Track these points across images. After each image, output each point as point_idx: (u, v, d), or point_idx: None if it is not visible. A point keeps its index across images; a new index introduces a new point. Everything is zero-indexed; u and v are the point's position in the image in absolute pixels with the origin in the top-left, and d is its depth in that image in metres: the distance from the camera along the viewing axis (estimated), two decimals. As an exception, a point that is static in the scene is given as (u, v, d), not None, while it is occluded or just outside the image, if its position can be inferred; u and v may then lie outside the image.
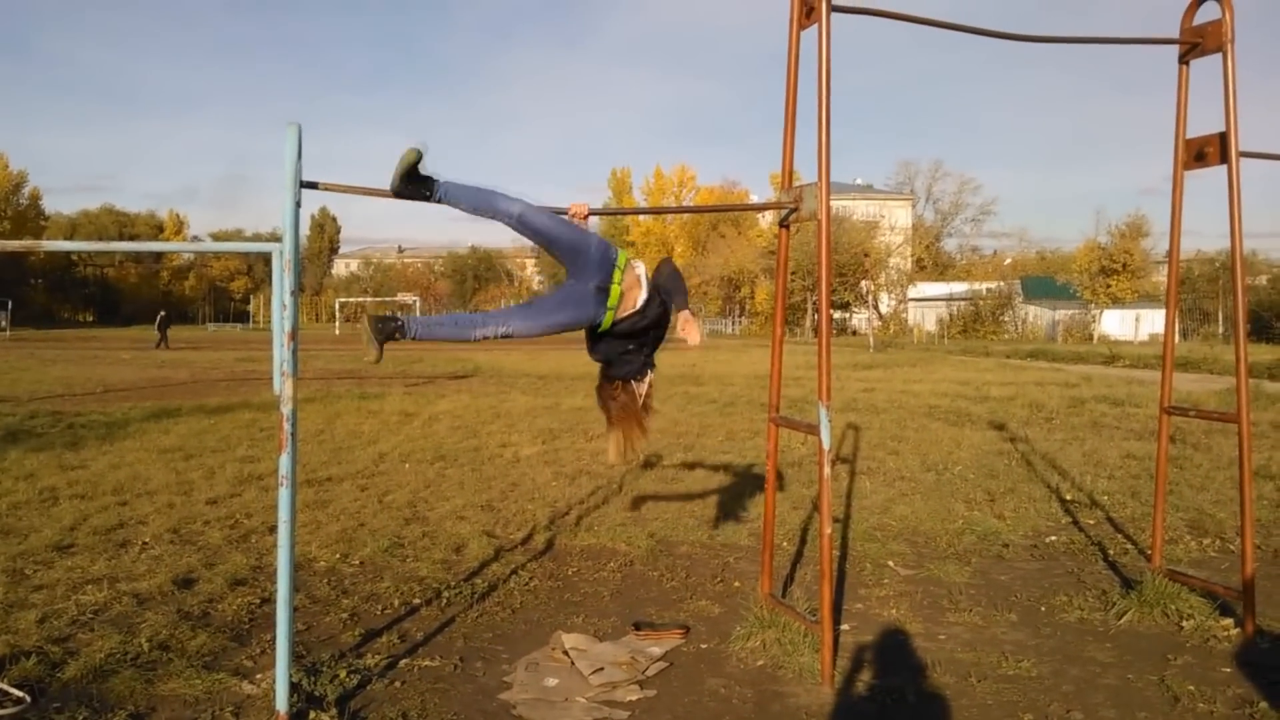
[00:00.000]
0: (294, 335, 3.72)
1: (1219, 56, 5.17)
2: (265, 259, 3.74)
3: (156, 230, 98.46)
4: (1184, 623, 5.19)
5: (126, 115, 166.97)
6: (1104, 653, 4.85)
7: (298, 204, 3.71)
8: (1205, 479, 9.29)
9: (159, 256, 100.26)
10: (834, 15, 4.45)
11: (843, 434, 12.27)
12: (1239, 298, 5.25)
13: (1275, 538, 7.16)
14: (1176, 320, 6.85)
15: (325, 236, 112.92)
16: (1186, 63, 5.43)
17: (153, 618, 5.05)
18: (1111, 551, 6.80)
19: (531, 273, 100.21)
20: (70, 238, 79.08)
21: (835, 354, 32.84)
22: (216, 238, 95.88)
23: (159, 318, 43.11)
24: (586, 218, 4.41)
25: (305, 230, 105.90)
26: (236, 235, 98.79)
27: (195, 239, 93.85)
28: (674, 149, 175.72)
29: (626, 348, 4.42)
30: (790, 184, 4.99)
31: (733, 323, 78.88)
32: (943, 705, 4.21)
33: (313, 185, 3.86)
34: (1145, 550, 6.62)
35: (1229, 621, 5.15)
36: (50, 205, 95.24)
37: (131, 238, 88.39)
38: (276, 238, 3.79)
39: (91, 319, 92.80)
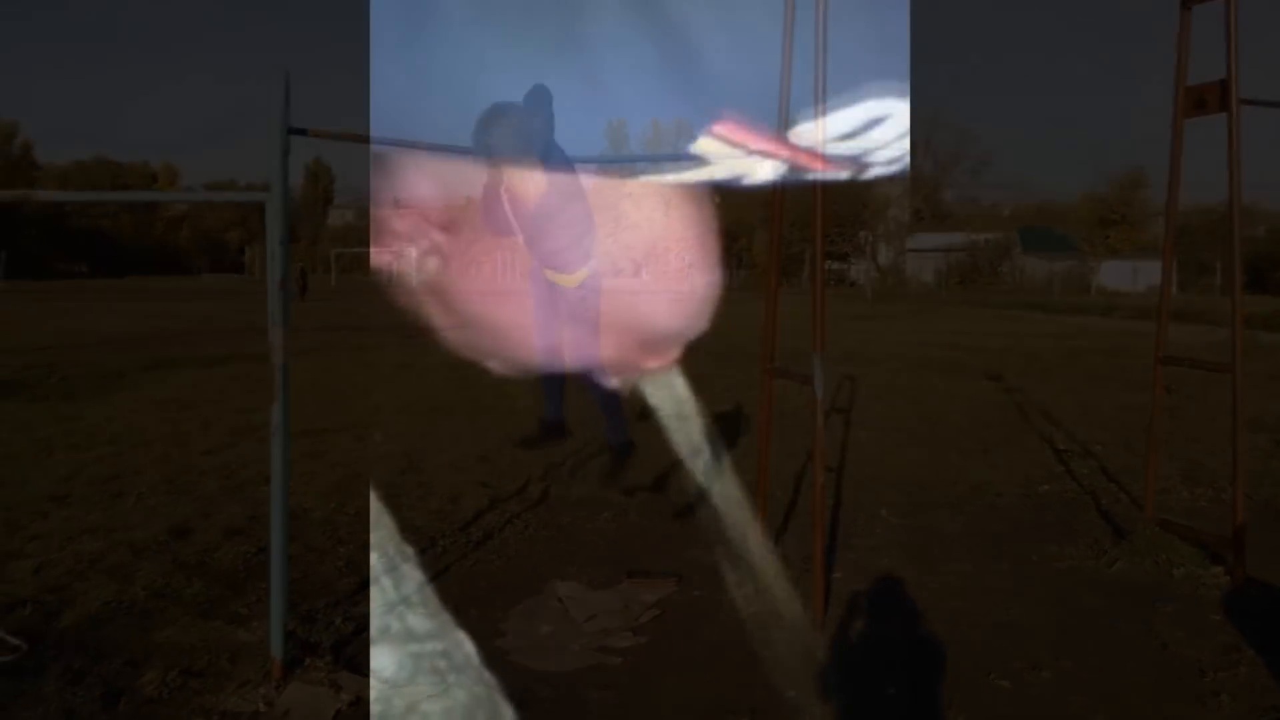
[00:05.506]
0: (285, 285, 3.69)
1: (1222, 1, 5.08)
2: (260, 209, 3.69)
3: (150, 180, 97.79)
4: (1174, 571, 5.23)
5: (123, 62, 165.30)
6: (1094, 600, 4.89)
7: (286, 152, 3.66)
8: (1200, 430, 9.31)
9: (153, 207, 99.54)
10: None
11: (839, 385, 12.28)
12: (1235, 247, 5.21)
13: (1266, 488, 7.19)
14: (1174, 270, 6.81)
15: (320, 186, 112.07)
16: (1189, 7, 5.34)
17: (148, 567, 5.08)
18: (1104, 501, 6.83)
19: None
20: (63, 188, 78.55)
21: (833, 305, 32.75)
22: (210, 188, 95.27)
23: (299, 269, 44.05)
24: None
25: (299, 179, 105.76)
26: (231, 185, 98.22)
27: (189, 189, 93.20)
28: (675, 102, 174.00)
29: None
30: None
31: (731, 274, 78.72)
32: (933, 652, 4.25)
33: (301, 132, 3.79)
34: (1138, 500, 6.64)
35: (1219, 570, 5.18)
36: (43, 152, 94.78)
37: (124, 188, 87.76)
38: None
39: (86, 270, 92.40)
